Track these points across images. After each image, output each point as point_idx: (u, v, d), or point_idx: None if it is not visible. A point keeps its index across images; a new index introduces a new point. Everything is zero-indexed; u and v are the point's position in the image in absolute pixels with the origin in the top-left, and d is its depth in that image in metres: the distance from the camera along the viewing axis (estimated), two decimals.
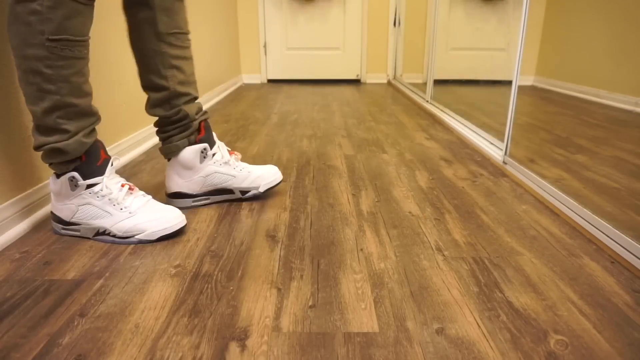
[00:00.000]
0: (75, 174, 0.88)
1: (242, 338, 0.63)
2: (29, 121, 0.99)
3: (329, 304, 0.71)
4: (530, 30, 1.27)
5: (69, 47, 0.80)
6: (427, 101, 2.51)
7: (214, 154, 1.08)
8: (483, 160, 1.48)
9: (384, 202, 1.12)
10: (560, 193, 1.06)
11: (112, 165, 0.93)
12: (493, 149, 1.51)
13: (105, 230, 0.90)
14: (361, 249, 0.88)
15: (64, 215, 0.92)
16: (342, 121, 2.12)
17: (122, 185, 0.92)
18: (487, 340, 0.62)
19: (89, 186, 0.89)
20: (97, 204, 0.90)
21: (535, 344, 0.62)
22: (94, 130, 0.90)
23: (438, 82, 2.43)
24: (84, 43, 0.83)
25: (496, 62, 1.84)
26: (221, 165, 1.08)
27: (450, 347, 0.61)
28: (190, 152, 1.04)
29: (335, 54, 3.65)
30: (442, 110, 2.22)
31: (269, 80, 3.70)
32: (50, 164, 0.88)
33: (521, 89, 1.31)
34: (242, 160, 1.49)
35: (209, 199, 1.10)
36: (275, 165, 1.43)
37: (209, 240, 0.92)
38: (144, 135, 1.60)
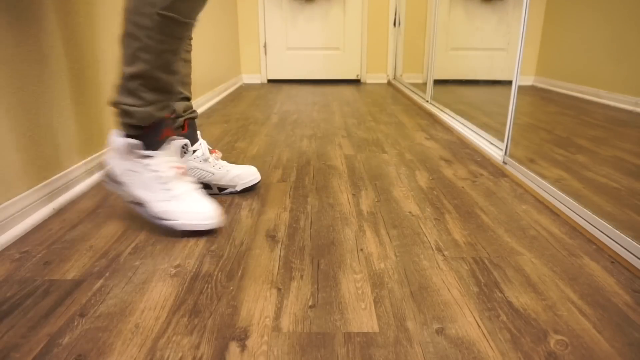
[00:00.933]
0: (135, 141, 0.90)
1: (242, 338, 0.63)
2: (29, 120, 1.00)
3: (329, 304, 0.71)
4: (530, 30, 1.27)
5: (172, 26, 0.83)
6: (427, 101, 2.51)
7: (194, 151, 1.12)
8: (483, 160, 1.48)
9: (384, 202, 1.12)
10: (560, 193, 1.06)
11: (181, 147, 0.96)
12: (493, 149, 1.51)
13: (143, 203, 0.93)
14: (361, 249, 0.88)
15: (115, 170, 0.95)
16: (342, 121, 2.12)
17: (175, 167, 0.94)
18: (487, 340, 0.62)
19: (144, 157, 0.92)
20: (146, 176, 0.92)
21: (535, 344, 0.62)
22: (167, 106, 0.93)
23: (438, 82, 2.43)
24: (187, 26, 0.86)
25: (496, 62, 1.84)
26: (201, 162, 1.13)
27: (450, 347, 0.61)
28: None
29: (335, 54, 3.65)
30: (442, 110, 2.22)
31: (269, 80, 3.70)
32: (120, 122, 0.92)
33: (521, 89, 1.31)
34: (243, 160, 1.48)
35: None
36: (275, 165, 1.43)
37: (209, 240, 0.92)
38: None
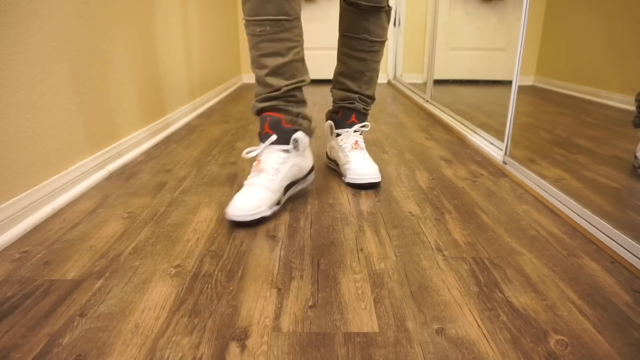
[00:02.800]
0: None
1: (242, 338, 0.63)
2: (29, 120, 1.00)
3: (329, 304, 0.71)
4: (530, 30, 1.27)
5: (247, 26, 1.00)
6: (427, 101, 2.51)
7: (338, 134, 1.33)
8: (483, 160, 1.48)
9: (384, 202, 1.12)
10: (560, 193, 1.06)
11: (269, 141, 1.03)
12: (493, 149, 1.50)
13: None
14: (361, 249, 0.88)
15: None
16: None
17: (258, 159, 1.04)
18: (487, 340, 0.62)
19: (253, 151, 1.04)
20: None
21: (535, 344, 0.62)
22: (267, 99, 1.05)
23: (438, 82, 2.43)
24: (254, 22, 0.98)
25: (496, 62, 1.84)
26: (339, 145, 1.31)
27: (450, 347, 0.61)
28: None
29: (335, 54, 3.65)
30: (442, 110, 2.22)
31: None
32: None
33: (521, 89, 1.31)
34: (243, 160, 1.48)
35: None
36: None
37: (209, 240, 0.92)
38: (144, 135, 1.60)
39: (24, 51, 0.98)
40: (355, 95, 1.27)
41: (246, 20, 0.99)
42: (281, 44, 1.00)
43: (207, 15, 2.55)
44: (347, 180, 1.22)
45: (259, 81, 1.05)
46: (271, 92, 1.04)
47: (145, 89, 1.64)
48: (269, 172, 1.02)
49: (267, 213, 0.99)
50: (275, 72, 1.02)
